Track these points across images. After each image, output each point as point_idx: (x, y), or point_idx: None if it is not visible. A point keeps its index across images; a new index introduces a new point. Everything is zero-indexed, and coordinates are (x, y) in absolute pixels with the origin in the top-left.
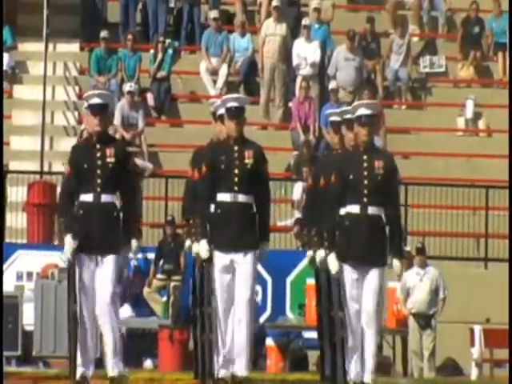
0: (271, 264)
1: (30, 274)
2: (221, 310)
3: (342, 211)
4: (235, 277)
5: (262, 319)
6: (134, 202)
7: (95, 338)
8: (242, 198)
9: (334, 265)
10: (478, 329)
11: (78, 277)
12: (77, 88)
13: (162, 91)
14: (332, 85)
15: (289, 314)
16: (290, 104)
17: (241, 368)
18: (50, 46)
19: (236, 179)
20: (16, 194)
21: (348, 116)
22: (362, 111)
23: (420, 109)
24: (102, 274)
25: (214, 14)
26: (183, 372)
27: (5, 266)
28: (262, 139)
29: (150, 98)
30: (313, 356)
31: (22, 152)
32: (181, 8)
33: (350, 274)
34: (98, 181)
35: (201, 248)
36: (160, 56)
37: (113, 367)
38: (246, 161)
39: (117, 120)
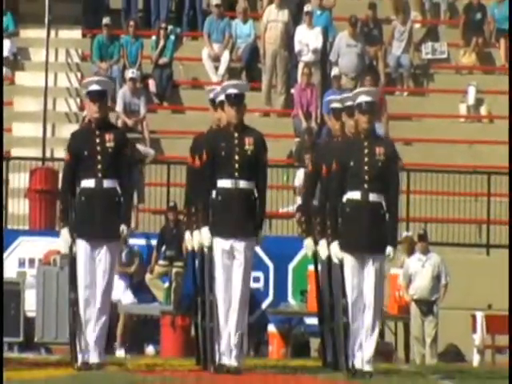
0: (273, 250)
1: (32, 261)
2: (221, 297)
3: (343, 198)
4: (234, 263)
5: (264, 305)
6: (128, 189)
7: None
8: (242, 184)
9: (338, 254)
10: (479, 315)
11: (78, 263)
12: (79, 74)
13: (163, 78)
14: (334, 71)
15: (291, 300)
16: (292, 90)
17: (230, 358)
18: (52, 33)
19: (236, 165)
20: (18, 180)
21: (349, 103)
22: (363, 98)
23: (422, 95)
24: (103, 261)
25: (216, 0)
26: (185, 358)
27: (7, 253)
28: (264, 126)
29: (151, 85)
30: (315, 342)
31: (24, 138)
32: None
33: (350, 260)
34: (99, 166)
35: (203, 235)
36: (162, 42)
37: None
38: (247, 147)
39: (119, 106)
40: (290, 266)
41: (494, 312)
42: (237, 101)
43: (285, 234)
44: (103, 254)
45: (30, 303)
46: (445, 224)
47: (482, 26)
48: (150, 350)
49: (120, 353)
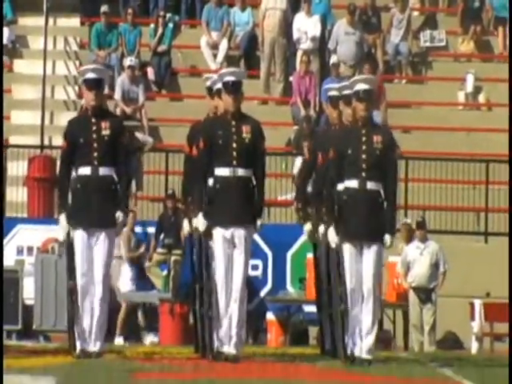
0: (272, 238)
1: (30, 249)
2: (221, 285)
3: (341, 186)
4: (234, 252)
5: (262, 293)
6: (124, 177)
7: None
8: (241, 172)
9: (334, 238)
10: (478, 303)
11: (75, 251)
12: (77, 62)
13: (162, 65)
14: (333, 59)
15: (289, 288)
16: (291, 78)
17: (229, 346)
18: (51, 21)
19: (234, 153)
20: (16, 168)
21: (346, 92)
22: (360, 86)
23: (420, 83)
24: (100, 249)
25: None
26: (184, 346)
27: (5, 241)
28: (263, 114)
29: (150, 73)
30: (313, 330)
31: (22, 126)
32: None
33: (349, 248)
34: (95, 154)
35: (198, 221)
36: (160, 30)
37: (95, 342)
38: (244, 135)
39: (117, 94)
40: (289, 254)
41: (492, 300)
42: (234, 88)
43: (283, 221)
44: (101, 241)
45: (29, 291)
46: (443, 212)
47: (480, 13)
48: (148, 337)
49: (119, 340)
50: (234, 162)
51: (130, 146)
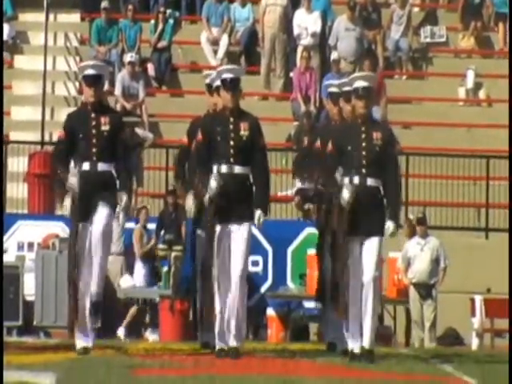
0: (272, 234)
1: (30, 245)
2: (220, 281)
3: (341, 182)
4: (232, 248)
5: (262, 289)
6: (124, 173)
7: None
8: (238, 169)
9: (347, 195)
10: (478, 299)
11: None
12: (77, 58)
13: (162, 61)
14: (334, 55)
15: (290, 283)
16: (291, 74)
17: (229, 339)
18: (51, 17)
19: (232, 151)
20: (17, 164)
21: (346, 88)
22: (359, 83)
23: (421, 79)
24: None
25: None
26: (184, 342)
27: (6, 237)
28: (263, 109)
29: (150, 69)
30: (314, 326)
31: (22, 122)
32: None
33: (349, 245)
34: (94, 149)
35: (187, 203)
36: (161, 26)
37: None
38: (242, 132)
39: (117, 90)
40: (289, 250)
41: (492, 296)
42: (232, 85)
43: (284, 217)
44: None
45: (29, 287)
46: (444, 208)
47: (480, 9)
48: (148, 333)
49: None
50: (232, 160)
51: (129, 142)
